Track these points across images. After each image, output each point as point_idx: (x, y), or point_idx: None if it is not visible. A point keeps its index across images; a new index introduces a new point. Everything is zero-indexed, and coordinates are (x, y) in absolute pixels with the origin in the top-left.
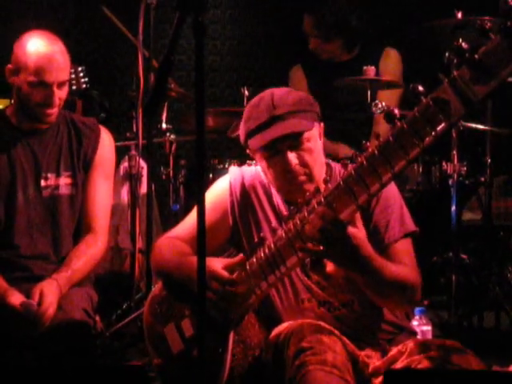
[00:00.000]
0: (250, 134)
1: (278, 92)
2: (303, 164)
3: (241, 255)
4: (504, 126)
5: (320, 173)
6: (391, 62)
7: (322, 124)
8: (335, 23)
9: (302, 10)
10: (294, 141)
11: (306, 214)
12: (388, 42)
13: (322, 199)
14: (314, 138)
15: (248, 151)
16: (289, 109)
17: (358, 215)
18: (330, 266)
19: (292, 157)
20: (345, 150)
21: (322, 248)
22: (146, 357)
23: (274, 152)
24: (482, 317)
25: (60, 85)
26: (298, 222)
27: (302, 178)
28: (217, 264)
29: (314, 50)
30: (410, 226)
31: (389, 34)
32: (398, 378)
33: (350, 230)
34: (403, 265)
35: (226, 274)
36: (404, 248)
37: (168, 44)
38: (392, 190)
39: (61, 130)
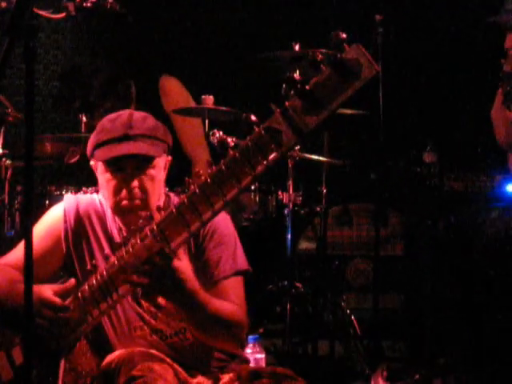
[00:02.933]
0: (99, 145)
1: (138, 114)
2: (142, 189)
3: (71, 280)
4: (339, 157)
5: (156, 202)
6: (167, 89)
7: (169, 157)
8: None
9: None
10: (140, 164)
11: (138, 241)
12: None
13: (155, 227)
14: (159, 167)
15: (91, 162)
16: (144, 132)
17: (182, 251)
18: (162, 297)
19: (133, 179)
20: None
21: (146, 280)
22: None
23: (118, 168)
24: (316, 345)
25: None
26: (130, 249)
27: (137, 202)
28: (47, 291)
29: None
30: (242, 264)
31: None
32: None
33: (176, 263)
34: (230, 303)
35: (57, 300)
36: (233, 286)
37: None
38: (228, 228)
39: None
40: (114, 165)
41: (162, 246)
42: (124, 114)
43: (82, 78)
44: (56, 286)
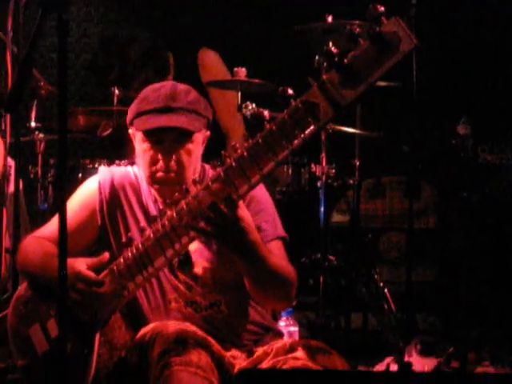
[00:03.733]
0: (140, 114)
1: (181, 86)
2: (179, 162)
3: (105, 254)
4: (372, 130)
5: (191, 176)
6: (205, 62)
7: (208, 133)
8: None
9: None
10: (180, 137)
11: (174, 214)
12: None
13: (191, 200)
14: (197, 142)
15: (130, 130)
16: (186, 105)
17: (242, 204)
18: (197, 267)
19: (170, 151)
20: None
21: (210, 227)
22: (12, 358)
23: (156, 140)
24: (349, 318)
25: None
26: (167, 223)
27: (172, 174)
28: (81, 264)
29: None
30: (281, 231)
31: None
32: (249, 378)
33: (240, 212)
34: (283, 261)
35: (91, 274)
36: (277, 248)
37: (30, 41)
38: (265, 195)
39: None
40: (153, 136)
41: (228, 191)
42: (167, 84)
43: (119, 48)
44: (90, 260)
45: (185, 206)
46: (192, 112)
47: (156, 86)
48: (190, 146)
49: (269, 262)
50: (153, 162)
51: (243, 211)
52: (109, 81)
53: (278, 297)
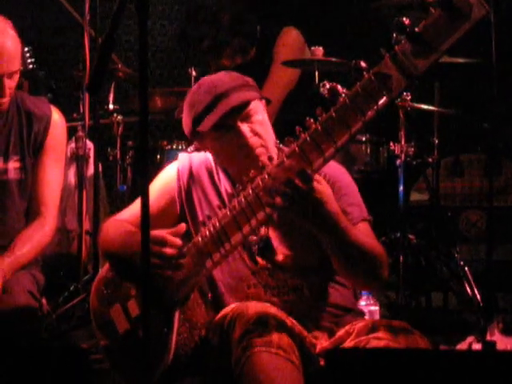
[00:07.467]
0: (198, 120)
1: (215, 75)
2: (258, 135)
3: (181, 224)
4: (451, 107)
5: (272, 147)
6: (287, 40)
7: (263, 101)
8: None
9: None
10: (243, 113)
11: (250, 191)
12: (288, 22)
13: (266, 176)
14: (261, 111)
15: (197, 142)
16: (230, 85)
17: (319, 177)
18: (278, 253)
19: (245, 129)
20: None
21: (287, 203)
22: (94, 339)
23: (226, 130)
24: (429, 297)
25: (11, 75)
26: (243, 200)
27: (260, 149)
28: (156, 231)
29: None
30: (366, 213)
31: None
32: (339, 358)
33: (316, 184)
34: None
35: (167, 235)
36: (364, 229)
37: (111, 21)
38: (347, 178)
39: (11, 113)
40: (221, 128)
41: (303, 166)
42: (203, 81)
43: (209, 16)
44: (166, 230)
45: (260, 183)
46: (238, 87)
47: (194, 88)
48: (257, 116)
49: (351, 234)
50: (236, 153)
51: (320, 184)
52: (202, 50)
53: (366, 274)
